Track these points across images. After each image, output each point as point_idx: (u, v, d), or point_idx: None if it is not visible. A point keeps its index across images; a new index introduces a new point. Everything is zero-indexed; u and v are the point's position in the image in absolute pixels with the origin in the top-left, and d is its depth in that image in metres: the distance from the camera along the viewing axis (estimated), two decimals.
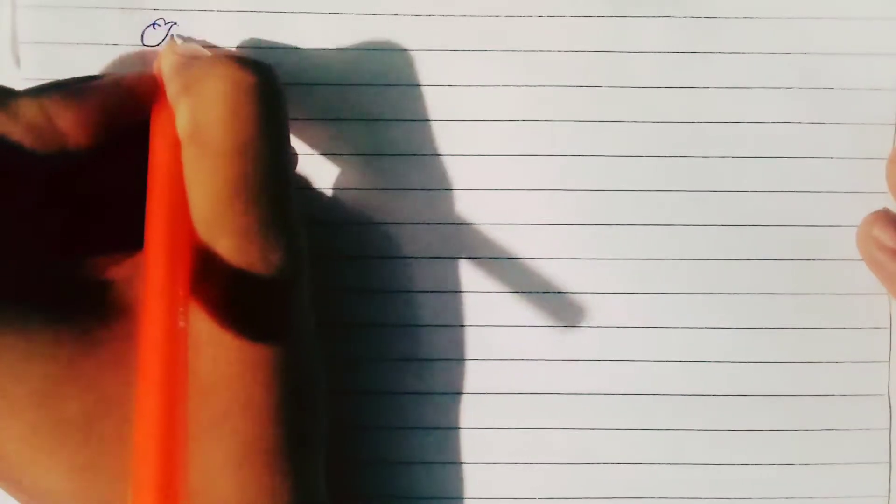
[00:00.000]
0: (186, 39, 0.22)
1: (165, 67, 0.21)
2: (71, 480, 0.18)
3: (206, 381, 0.18)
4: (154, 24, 0.24)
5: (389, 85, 0.24)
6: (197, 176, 0.19)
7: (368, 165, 0.24)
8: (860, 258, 0.24)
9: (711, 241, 0.25)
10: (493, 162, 0.24)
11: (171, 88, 0.20)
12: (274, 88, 0.19)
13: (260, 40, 0.24)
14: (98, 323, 0.19)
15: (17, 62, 0.24)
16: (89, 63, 0.24)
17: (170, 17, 0.24)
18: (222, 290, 0.19)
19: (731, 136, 0.24)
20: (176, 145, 0.19)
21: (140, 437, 0.16)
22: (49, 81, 0.21)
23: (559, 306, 0.25)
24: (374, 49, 0.24)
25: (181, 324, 0.17)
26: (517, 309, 0.25)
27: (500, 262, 0.24)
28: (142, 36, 0.24)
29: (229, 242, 0.18)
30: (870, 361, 0.25)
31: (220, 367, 0.18)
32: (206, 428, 0.18)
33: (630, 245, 0.25)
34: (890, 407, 0.25)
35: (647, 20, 0.24)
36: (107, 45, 0.24)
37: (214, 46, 0.23)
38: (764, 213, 0.25)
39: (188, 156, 0.19)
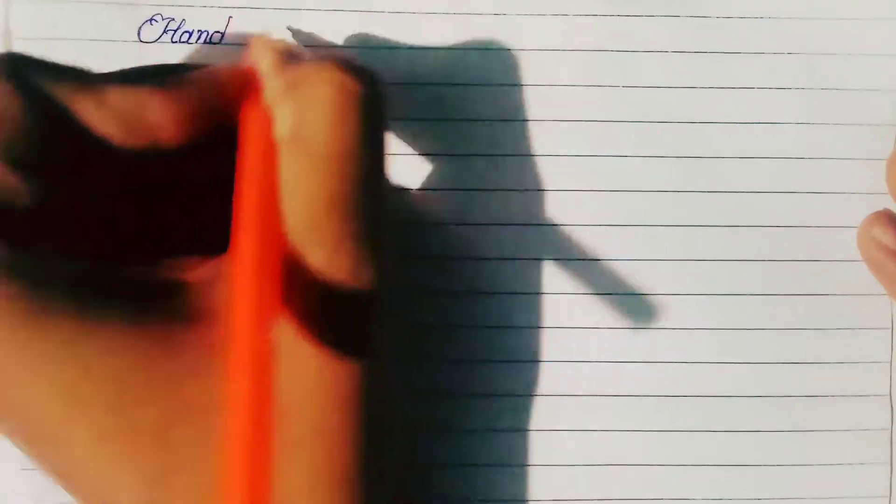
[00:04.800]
0: (274, 37, 0.21)
1: (263, 64, 0.20)
2: (139, 490, 0.17)
3: (284, 403, 0.17)
4: (151, 19, 0.23)
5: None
6: (296, 181, 0.18)
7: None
8: (861, 259, 0.24)
9: (711, 242, 0.25)
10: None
11: (272, 86, 0.19)
12: (379, 97, 0.19)
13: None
14: (177, 326, 0.18)
15: None
16: (84, 59, 0.23)
17: (167, 12, 0.23)
18: (311, 302, 0.18)
19: (731, 136, 0.24)
20: (270, 147, 0.19)
21: (230, 449, 0.16)
22: (136, 67, 0.20)
23: (559, 307, 0.24)
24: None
25: (272, 337, 0.16)
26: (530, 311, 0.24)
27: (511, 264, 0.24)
28: (138, 31, 0.23)
29: (322, 254, 0.18)
30: (871, 362, 0.25)
31: (297, 389, 0.18)
32: (281, 451, 0.17)
33: (629, 245, 0.24)
34: (891, 407, 0.25)
35: (647, 20, 0.24)
36: (103, 40, 0.23)
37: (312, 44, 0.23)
38: (764, 214, 0.25)
39: (287, 160, 0.18)
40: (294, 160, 0.18)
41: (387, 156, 0.20)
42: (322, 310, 0.18)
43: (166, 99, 0.19)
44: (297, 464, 0.18)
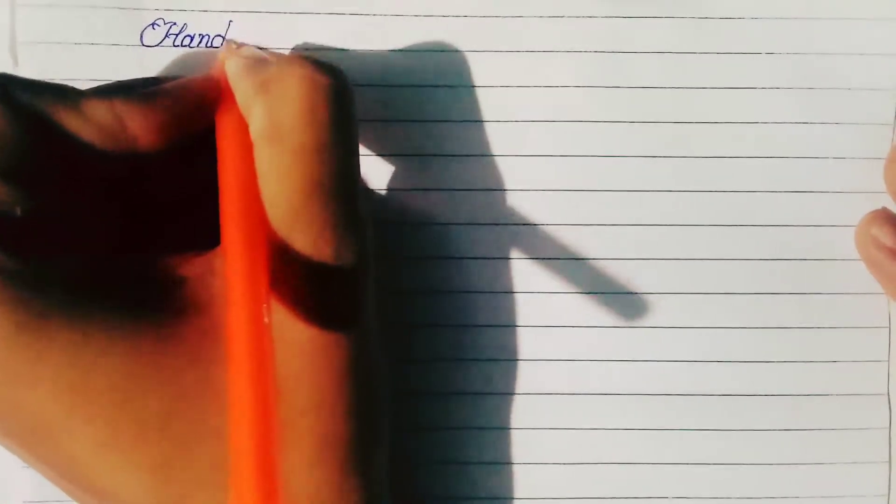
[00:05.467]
0: (240, 44, 0.22)
1: (231, 69, 0.21)
2: (144, 479, 0.18)
3: (281, 381, 0.19)
4: (153, 24, 0.24)
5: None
6: (274, 174, 0.19)
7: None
8: (859, 258, 0.24)
9: (710, 241, 0.25)
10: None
11: (243, 88, 0.20)
12: (347, 90, 0.20)
13: (264, 42, 0.24)
14: (174, 319, 0.19)
15: (16, 62, 0.24)
16: (88, 63, 0.24)
17: (169, 17, 0.24)
18: (298, 285, 0.19)
19: (730, 136, 0.25)
20: (246, 145, 0.20)
21: (235, 432, 0.16)
22: (114, 82, 0.21)
23: (550, 306, 0.25)
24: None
25: (265, 319, 0.18)
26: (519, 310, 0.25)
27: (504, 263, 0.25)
28: (141, 36, 0.24)
29: (305, 238, 0.19)
30: (869, 361, 0.25)
31: (293, 366, 0.19)
32: (282, 427, 0.19)
33: (629, 245, 0.25)
34: (889, 406, 0.25)
35: (646, 21, 0.24)
36: (105, 44, 0.24)
37: (267, 49, 0.23)
38: (762, 213, 0.25)
39: (264, 154, 0.19)
40: (271, 153, 0.19)
41: (357, 143, 0.21)
42: (310, 289, 0.19)
43: (142, 109, 0.20)
44: (299, 437, 0.19)
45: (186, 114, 0.21)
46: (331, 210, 0.19)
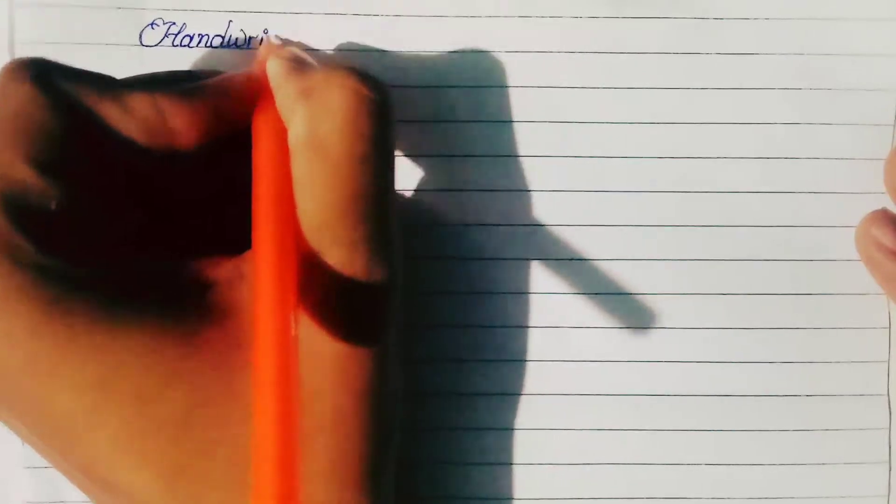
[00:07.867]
0: (284, 41, 0.22)
1: (273, 70, 0.21)
2: (160, 481, 0.18)
3: (303, 392, 0.18)
4: (152, 23, 0.24)
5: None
6: (311, 184, 0.19)
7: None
8: (859, 258, 0.24)
9: (710, 242, 0.25)
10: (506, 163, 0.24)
11: (285, 91, 0.20)
12: (389, 103, 0.20)
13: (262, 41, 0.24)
14: (201, 323, 0.18)
15: None
16: (87, 63, 0.23)
17: (168, 16, 0.24)
18: (327, 299, 0.18)
19: (730, 136, 0.25)
20: (283, 148, 0.19)
21: (258, 441, 0.16)
22: (149, 74, 0.21)
23: (552, 307, 0.25)
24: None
25: (293, 332, 0.17)
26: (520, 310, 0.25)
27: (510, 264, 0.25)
28: (140, 36, 0.24)
29: (339, 252, 0.18)
30: (869, 361, 0.25)
31: (315, 380, 0.18)
32: (302, 437, 0.18)
33: (628, 245, 0.25)
34: (889, 407, 0.25)
35: (644, 22, 0.24)
36: (104, 44, 0.24)
37: (310, 49, 0.23)
38: (763, 214, 0.25)
39: (302, 162, 0.19)
40: (309, 163, 0.19)
41: (394, 158, 0.20)
42: (338, 304, 0.19)
43: (185, 105, 0.20)
44: (317, 449, 0.18)
45: (227, 112, 0.20)
46: (365, 226, 0.19)
